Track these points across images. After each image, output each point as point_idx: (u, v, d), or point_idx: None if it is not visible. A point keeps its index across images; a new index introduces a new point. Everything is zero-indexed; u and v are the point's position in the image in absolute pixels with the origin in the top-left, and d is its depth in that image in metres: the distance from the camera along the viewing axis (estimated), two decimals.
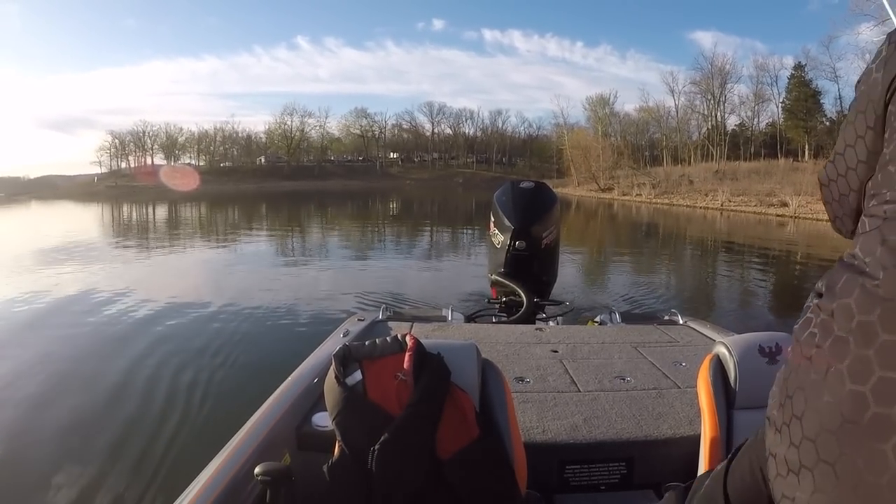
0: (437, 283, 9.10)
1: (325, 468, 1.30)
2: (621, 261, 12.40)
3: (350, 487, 1.28)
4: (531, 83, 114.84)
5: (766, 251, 14.79)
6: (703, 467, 1.67)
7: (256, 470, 1.33)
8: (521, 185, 3.97)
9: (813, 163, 37.00)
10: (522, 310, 3.59)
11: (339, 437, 1.33)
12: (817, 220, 24.43)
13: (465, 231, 20.67)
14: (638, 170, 49.00)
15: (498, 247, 3.89)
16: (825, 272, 0.71)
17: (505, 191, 3.98)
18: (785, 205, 27.09)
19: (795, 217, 25.30)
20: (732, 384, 1.68)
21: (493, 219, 3.99)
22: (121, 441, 3.42)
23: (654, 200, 38.19)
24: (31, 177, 65.01)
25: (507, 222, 3.77)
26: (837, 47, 43.31)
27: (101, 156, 69.11)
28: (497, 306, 3.97)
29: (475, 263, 12.11)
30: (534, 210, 3.81)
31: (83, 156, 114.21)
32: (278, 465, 1.36)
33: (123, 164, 69.38)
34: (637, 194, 40.82)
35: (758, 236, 19.49)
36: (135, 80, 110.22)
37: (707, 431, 1.66)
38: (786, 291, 9.48)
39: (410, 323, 3.07)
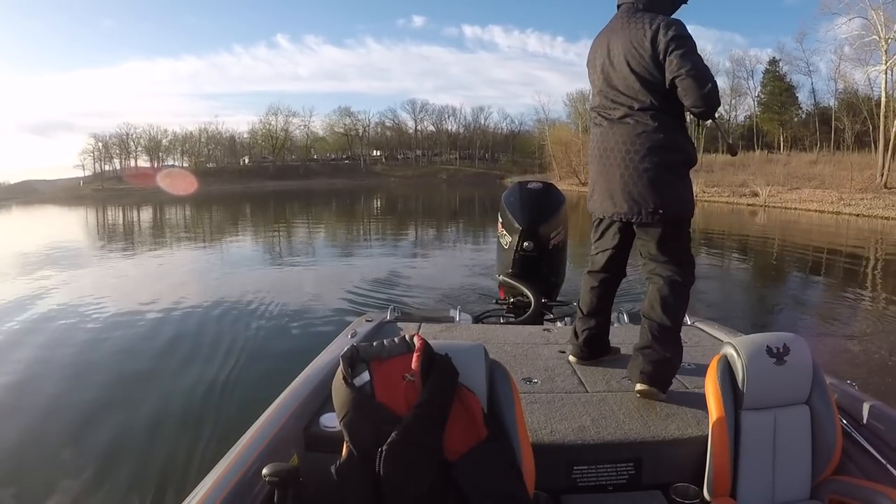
0: (441, 278, 8.98)
1: (332, 469, 1.27)
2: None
3: (358, 488, 1.26)
4: (513, 79, 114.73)
5: (750, 241, 14.93)
6: (711, 467, 1.67)
7: (264, 471, 1.30)
8: (529, 186, 3.92)
9: (787, 154, 37.54)
10: (530, 310, 3.54)
11: (346, 438, 1.31)
12: (785, 208, 24.95)
13: (458, 226, 20.73)
14: None
15: (506, 247, 3.84)
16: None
17: (513, 191, 3.92)
18: (756, 194, 27.50)
19: (765, 206, 25.71)
20: (740, 385, 1.68)
21: (501, 219, 3.94)
22: (129, 441, 3.39)
23: None
24: (11, 182, 62.59)
25: (515, 223, 3.72)
26: (811, 42, 43.84)
27: (85, 159, 67.32)
28: (505, 307, 3.93)
29: (472, 252, 12.10)
30: (542, 211, 3.77)
31: (62, 160, 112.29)
32: (286, 466, 1.33)
33: (107, 167, 67.87)
34: None
35: (740, 225, 19.65)
36: (114, 81, 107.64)
37: (715, 432, 1.67)
38: (785, 287, 9.46)
39: (418, 323, 3.01)
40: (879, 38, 28.62)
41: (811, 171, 31.95)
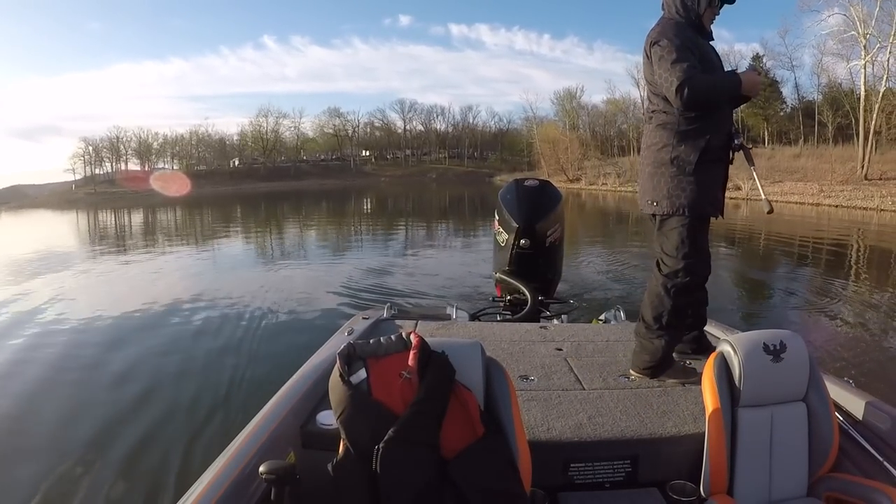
0: (437, 275, 8.91)
1: (329, 466, 1.26)
2: (614, 253, 12.10)
3: (355, 486, 1.24)
4: (500, 77, 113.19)
5: (736, 233, 14.93)
6: (707, 465, 1.65)
7: (261, 468, 1.28)
8: (526, 184, 3.86)
9: (771, 148, 37.80)
10: (527, 308, 3.50)
11: (343, 436, 1.29)
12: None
13: (450, 225, 20.83)
14: (605, 161, 49.74)
15: (503, 245, 3.80)
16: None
17: (510, 189, 3.87)
18: (738, 188, 27.70)
19: (747, 199, 25.95)
20: (737, 382, 1.67)
21: (497, 217, 3.89)
22: (127, 440, 3.34)
23: (618, 189, 39.66)
24: (0, 186, 60.37)
25: (511, 221, 3.67)
26: (794, 37, 44.08)
27: (76, 163, 66.00)
28: (501, 304, 3.89)
29: (467, 249, 12.00)
30: (538, 208, 3.72)
31: (50, 164, 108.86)
32: (283, 464, 1.32)
33: (98, 171, 66.73)
34: (602, 183, 42.52)
35: (724, 218, 19.72)
36: (101, 84, 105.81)
37: (712, 429, 1.65)
38: (765, 273, 9.50)
39: (415, 321, 2.98)
40: (858, 34, 28.97)
41: (794, 165, 32.23)
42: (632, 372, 2.26)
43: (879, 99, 28.25)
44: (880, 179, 26.13)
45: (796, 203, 24.22)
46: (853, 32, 29.47)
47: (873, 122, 27.96)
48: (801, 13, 37.62)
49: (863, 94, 29.33)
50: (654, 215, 2.22)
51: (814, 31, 34.55)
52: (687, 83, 1.96)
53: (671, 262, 2.15)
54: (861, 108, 29.30)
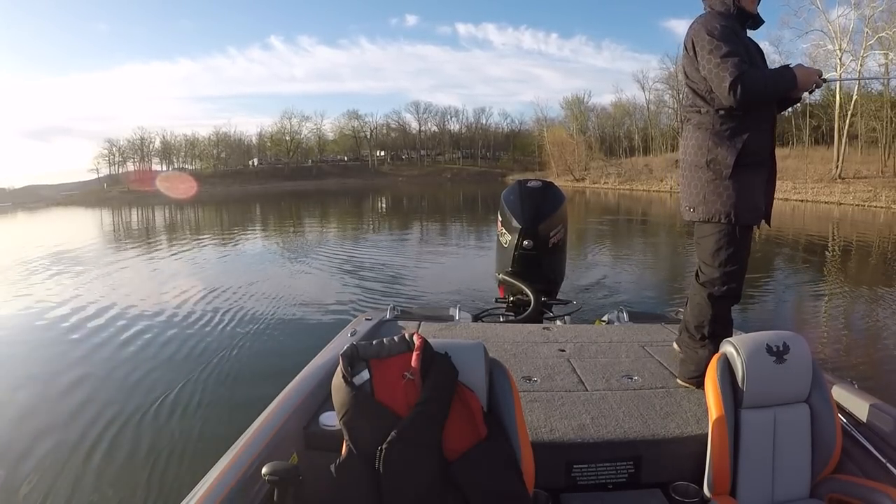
0: (442, 272, 8.84)
1: (332, 468, 1.22)
2: (617, 251, 11.91)
3: (358, 487, 1.21)
4: (508, 76, 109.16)
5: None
6: (710, 466, 1.60)
7: (264, 470, 1.25)
8: (529, 185, 3.76)
9: None
10: (530, 309, 3.40)
11: (346, 437, 1.26)
12: None
13: (463, 221, 20.79)
14: (608, 162, 50.33)
15: (505, 246, 3.69)
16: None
17: (512, 190, 3.77)
18: None
19: None
20: (740, 383, 1.61)
21: (500, 218, 3.79)
22: (129, 440, 3.31)
23: (617, 187, 42.52)
24: (15, 187, 56.46)
25: (514, 222, 3.58)
26: (785, 45, 44.19)
27: (99, 163, 65.25)
28: (504, 305, 3.80)
29: (475, 248, 11.93)
30: (541, 209, 3.61)
31: (60, 164, 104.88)
32: (286, 465, 1.28)
33: (121, 171, 65.79)
34: (604, 182, 44.83)
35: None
36: (110, 85, 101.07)
37: (715, 430, 1.60)
38: (777, 279, 9.30)
39: (418, 322, 2.91)
40: (835, 48, 30.56)
41: (780, 166, 32.14)
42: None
43: (852, 106, 29.93)
44: (853, 178, 27.68)
45: None
46: (829, 46, 31.04)
47: (846, 127, 29.61)
48: (781, 27, 38.09)
49: (838, 101, 30.71)
50: (690, 221, 2.03)
51: (795, 44, 35.23)
52: (741, 80, 1.73)
53: (708, 270, 1.99)
54: (836, 114, 30.83)
